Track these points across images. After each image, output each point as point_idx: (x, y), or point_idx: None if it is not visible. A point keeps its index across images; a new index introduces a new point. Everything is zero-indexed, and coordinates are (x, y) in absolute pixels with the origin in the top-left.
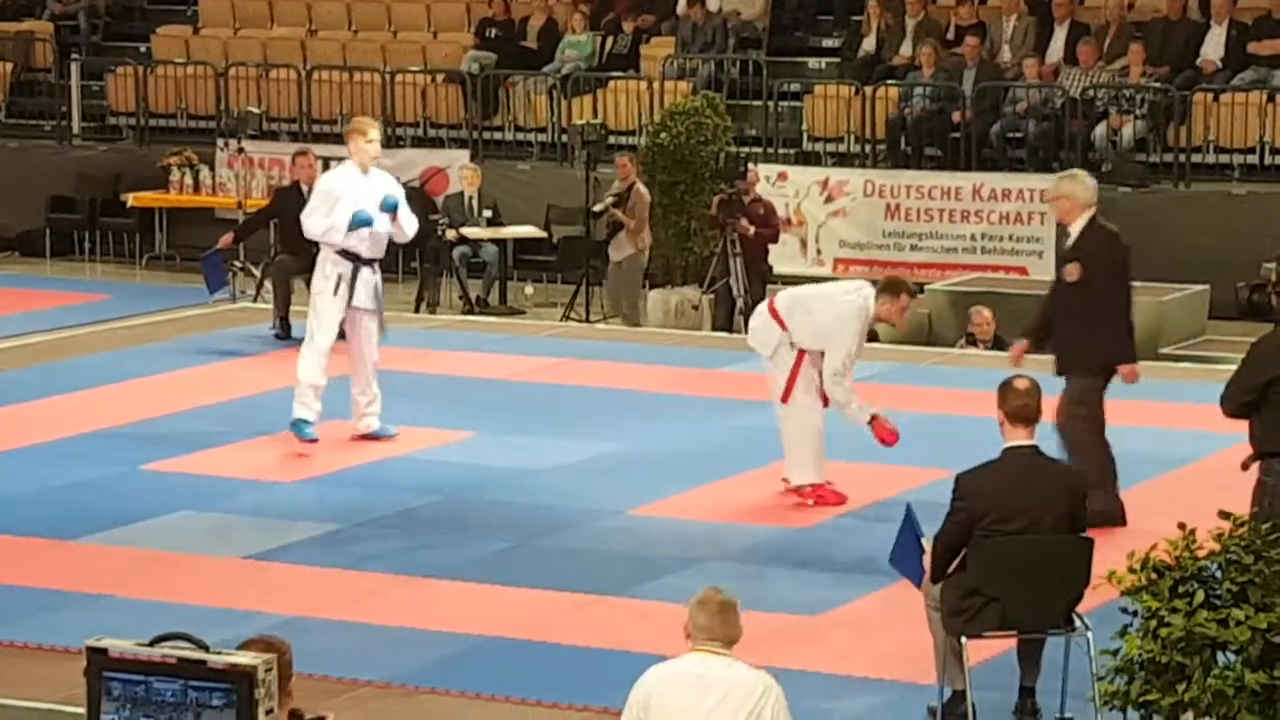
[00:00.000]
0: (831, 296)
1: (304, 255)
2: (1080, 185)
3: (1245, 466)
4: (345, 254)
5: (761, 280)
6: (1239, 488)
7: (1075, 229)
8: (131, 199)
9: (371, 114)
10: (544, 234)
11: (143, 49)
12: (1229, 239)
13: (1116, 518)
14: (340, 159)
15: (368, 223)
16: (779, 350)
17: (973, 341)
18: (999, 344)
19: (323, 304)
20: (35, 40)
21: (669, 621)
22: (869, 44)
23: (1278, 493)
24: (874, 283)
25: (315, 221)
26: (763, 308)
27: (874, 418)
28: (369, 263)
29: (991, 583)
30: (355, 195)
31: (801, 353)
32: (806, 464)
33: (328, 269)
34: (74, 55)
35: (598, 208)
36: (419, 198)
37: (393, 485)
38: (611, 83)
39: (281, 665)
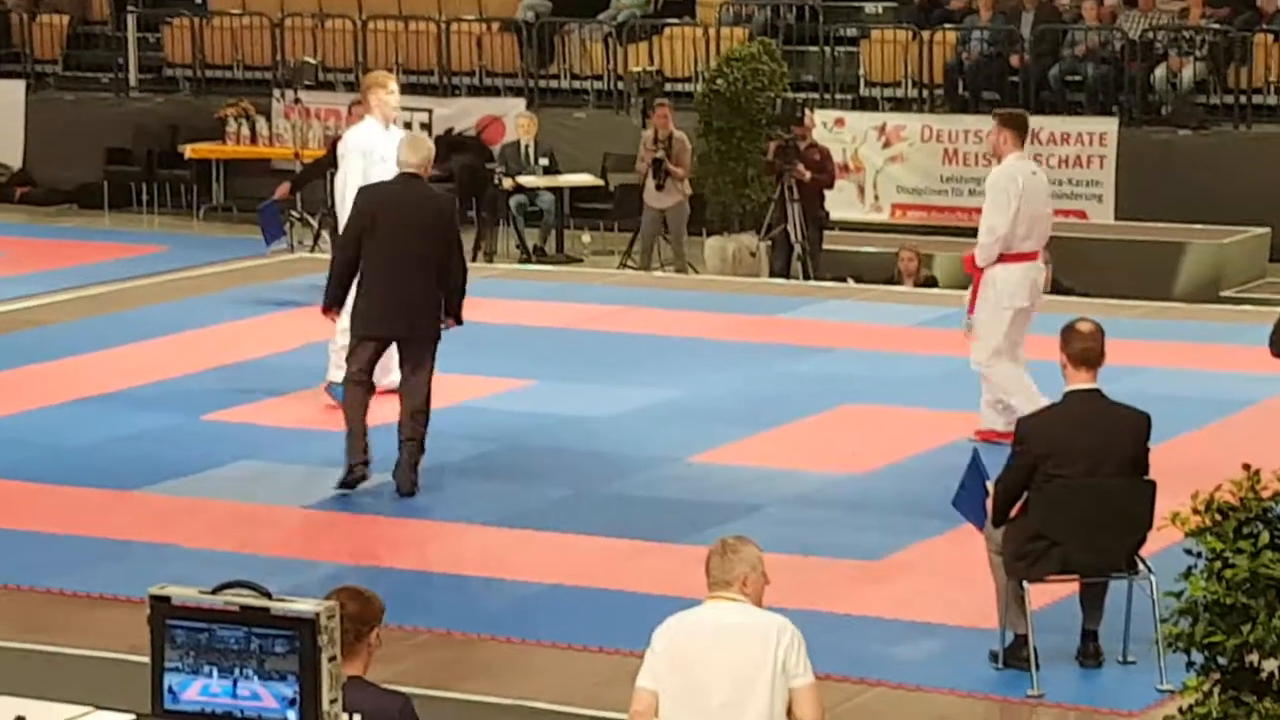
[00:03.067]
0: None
1: None
2: (409, 145)
3: None
4: None
5: (819, 226)
6: None
7: None
8: (188, 150)
9: (428, 63)
10: (600, 182)
11: (198, 0)
12: None
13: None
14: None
15: None
16: None
17: None
18: (1057, 287)
19: None
20: None
21: None
22: None
23: None
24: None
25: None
26: None
27: None
28: None
29: (1054, 527)
30: (382, 152)
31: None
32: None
33: None
34: (130, 8)
35: (641, 166)
36: (475, 146)
37: (452, 434)
38: (667, 29)
39: (370, 616)
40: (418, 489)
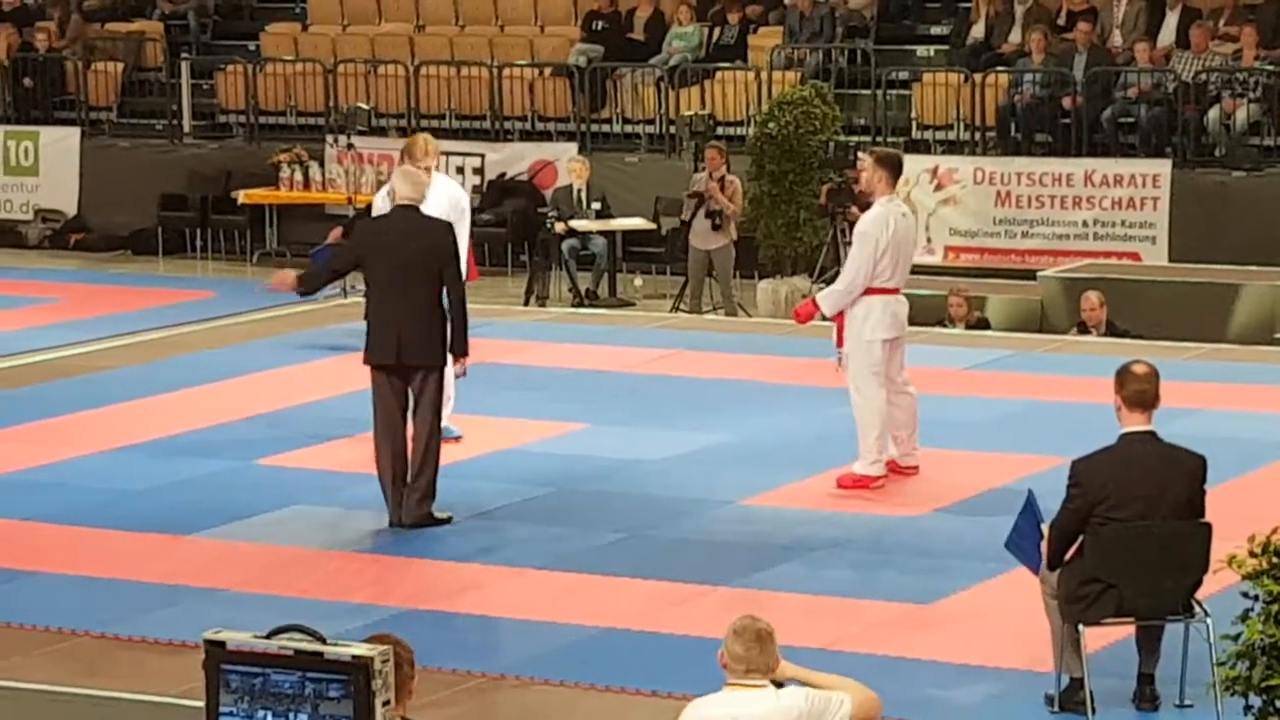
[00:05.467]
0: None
1: None
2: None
3: None
4: None
5: None
6: None
7: None
8: (242, 196)
9: (480, 108)
10: (653, 225)
11: (252, 47)
12: None
13: None
14: (448, 153)
15: None
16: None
17: (1084, 328)
18: (1111, 329)
19: None
20: (146, 40)
21: (783, 611)
22: (978, 31)
23: None
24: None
25: None
26: None
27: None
28: None
29: (1109, 569)
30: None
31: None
32: None
33: None
34: (184, 54)
35: (686, 216)
36: (528, 190)
37: (505, 477)
38: (719, 73)
39: (404, 665)
40: (428, 521)
